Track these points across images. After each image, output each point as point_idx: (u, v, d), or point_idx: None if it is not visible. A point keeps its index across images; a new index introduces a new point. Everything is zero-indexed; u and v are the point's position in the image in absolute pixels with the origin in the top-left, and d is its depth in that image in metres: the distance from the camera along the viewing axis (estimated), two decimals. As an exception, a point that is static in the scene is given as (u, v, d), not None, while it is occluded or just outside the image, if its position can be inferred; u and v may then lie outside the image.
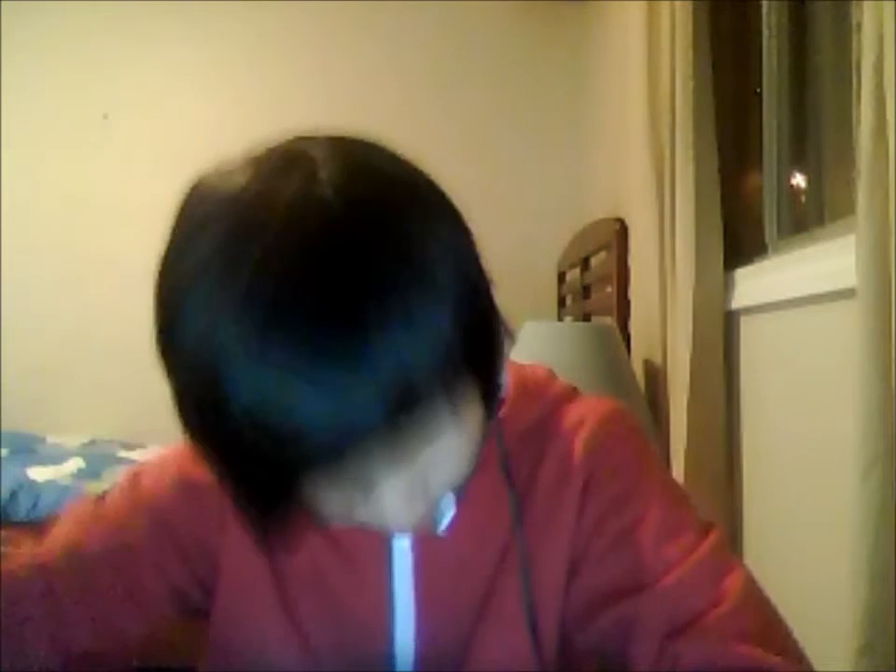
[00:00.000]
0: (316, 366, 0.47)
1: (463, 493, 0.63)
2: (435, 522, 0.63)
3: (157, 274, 0.53)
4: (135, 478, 0.75)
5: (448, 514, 0.63)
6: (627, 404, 0.77)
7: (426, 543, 0.70)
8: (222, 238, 0.49)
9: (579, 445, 0.71)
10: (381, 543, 0.70)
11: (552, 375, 0.76)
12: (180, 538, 0.71)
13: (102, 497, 0.75)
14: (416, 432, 0.51)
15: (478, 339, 0.55)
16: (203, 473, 0.70)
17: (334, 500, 0.53)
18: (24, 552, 0.70)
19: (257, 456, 0.49)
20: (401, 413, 0.49)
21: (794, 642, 0.64)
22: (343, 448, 0.48)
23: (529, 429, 0.72)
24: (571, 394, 0.75)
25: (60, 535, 0.72)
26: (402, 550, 0.70)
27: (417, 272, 0.50)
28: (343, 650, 0.70)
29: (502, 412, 0.70)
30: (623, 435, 0.73)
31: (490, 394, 0.57)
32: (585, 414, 0.73)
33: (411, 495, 0.54)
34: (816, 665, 0.64)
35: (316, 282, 0.48)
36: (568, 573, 0.69)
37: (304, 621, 0.70)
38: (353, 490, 0.52)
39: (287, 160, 0.53)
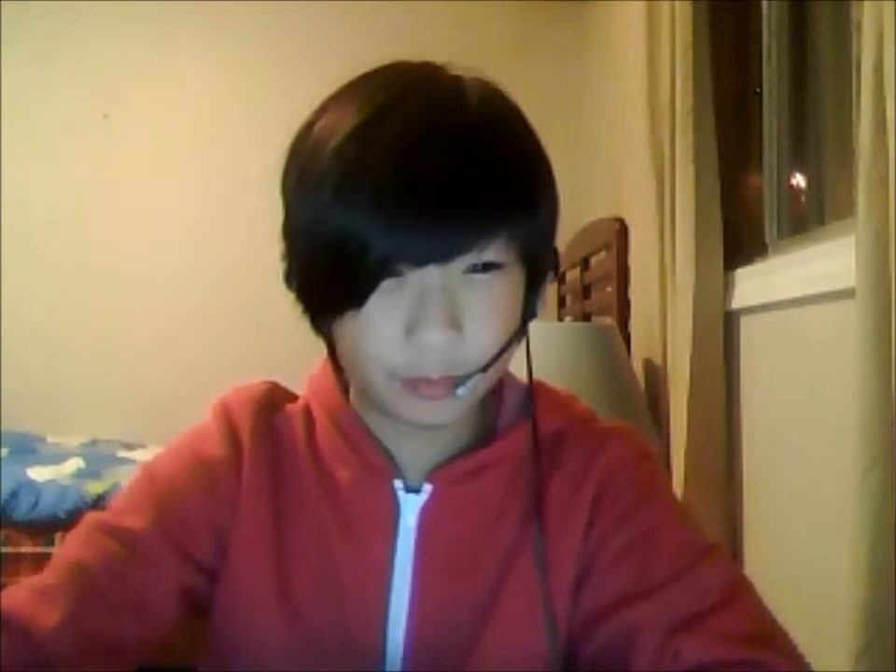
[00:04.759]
0: (424, 202, 0.61)
1: (484, 380, 0.67)
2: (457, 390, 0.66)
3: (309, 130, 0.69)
4: (150, 475, 0.75)
5: (470, 382, 0.66)
6: (627, 404, 0.79)
7: (430, 528, 0.72)
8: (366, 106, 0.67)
9: (593, 460, 0.74)
10: (388, 521, 0.72)
11: (576, 398, 0.82)
12: (191, 523, 0.72)
13: (108, 504, 0.75)
14: (471, 279, 0.64)
15: (545, 244, 0.70)
16: (215, 449, 0.74)
17: (391, 316, 0.63)
18: (24, 586, 0.68)
19: (357, 261, 0.61)
20: (469, 264, 0.64)
21: (794, 646, 0.66)
22: (409, 263, 0.61)
23: (550, 437, 0.76)
24: (592, 415, 0.80)
25: (64, 555, 0.70)
26: (407, 530, 0.72)
27: (543, 164, 0.68)
28: (336, 625, 0.71)
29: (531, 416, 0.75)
30: (637, 456, 0.76)
31: (531, 297, 0.71)
32: (603, 433, 0.77)
33: (450, 324, 0.63)
34: (816, 666, 0.65)
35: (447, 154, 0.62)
36: (575, 583, 0.71)
37: (300, 593, 0.72)
38: (407, 309, 0.63)
39: (435, 74, 0.69)
